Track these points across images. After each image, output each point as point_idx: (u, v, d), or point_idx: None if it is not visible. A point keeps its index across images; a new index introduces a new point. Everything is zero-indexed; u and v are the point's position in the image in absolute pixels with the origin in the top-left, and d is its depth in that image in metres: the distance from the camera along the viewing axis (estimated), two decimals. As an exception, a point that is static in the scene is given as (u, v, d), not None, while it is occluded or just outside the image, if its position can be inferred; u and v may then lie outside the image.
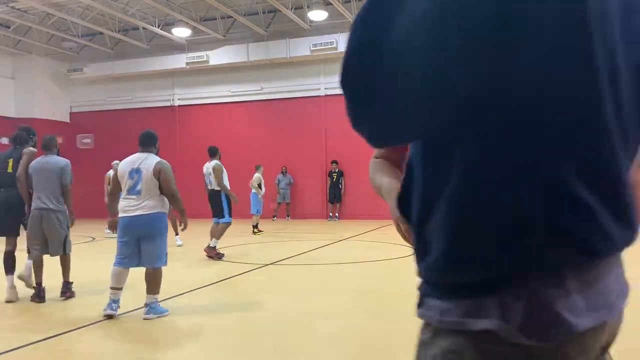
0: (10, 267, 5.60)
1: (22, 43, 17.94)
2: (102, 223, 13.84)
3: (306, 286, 6.30)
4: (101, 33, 16.93)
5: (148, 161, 4.82)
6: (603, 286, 0.85)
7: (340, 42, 15.59)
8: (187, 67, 17.45)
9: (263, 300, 5.39)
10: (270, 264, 7.81)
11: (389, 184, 1.33)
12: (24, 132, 5.90)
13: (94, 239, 11.46)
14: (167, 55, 17.72)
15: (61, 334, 4.19)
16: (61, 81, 19.42)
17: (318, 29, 15.90)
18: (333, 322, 4.59)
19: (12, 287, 5.50)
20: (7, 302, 5.39)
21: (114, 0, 14.52)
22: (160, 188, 4.78)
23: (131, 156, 4.94)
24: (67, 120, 19.99)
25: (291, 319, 4.74)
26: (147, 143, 4.98)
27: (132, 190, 4.76)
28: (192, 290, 5.78)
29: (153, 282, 4.78)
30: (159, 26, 16.10)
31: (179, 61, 17.54)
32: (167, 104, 18.88)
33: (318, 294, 5.81)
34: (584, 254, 0.81)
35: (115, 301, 4.69)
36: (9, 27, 16.73)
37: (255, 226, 12.55)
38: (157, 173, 4.76)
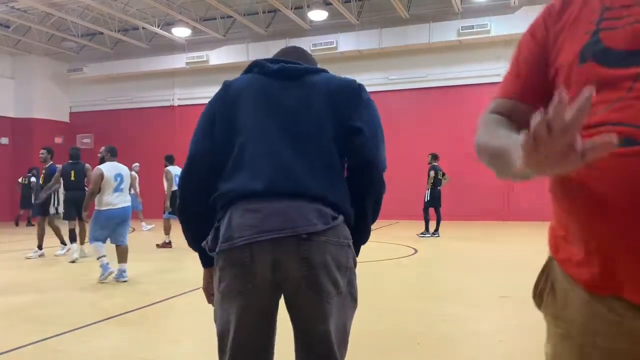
0: (74, 238, 8.49)
1: (22, 43, 17.94)
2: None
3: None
4: (101, 33, 16.93)
5: (122, 167, 6.75)
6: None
7: (340, 42, 15.58)
8: (187, 67, 17.46)
9: (263, 300, 5.37)
10: (270, 264, 7.79)
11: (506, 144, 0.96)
12: (77, 151, 8.85)
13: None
14: (167, 55, 17.73)
15: (61, 334, 4.19)
16: (61, 81, 19.42)
17: (318, 29, 15.89)
18: (333, 322, 4.58)
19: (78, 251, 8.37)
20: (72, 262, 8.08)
21: (114, 0, 14.52)
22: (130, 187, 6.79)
23: (110, 164, 6.70)
24: (67, 120, 20.00)
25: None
26: (116, 154, 6.92)
27: (117, 189, 6.51)
28: (192, 290, 5.78)
29: (124, 254, 6.52)
30: (159, 26, 16.10)
31: (179, 61, 17.54)
32: (167, 104, 18.88)
33: (318, 294, 5.79)
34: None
35: (107, 266, 6.41)
36: (9, 27, 16.72)
37: None
38: (130, 176, 6.86)
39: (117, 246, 6.53)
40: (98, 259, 6.43)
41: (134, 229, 13.76)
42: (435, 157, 11.55)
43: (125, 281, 6.36)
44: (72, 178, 8.52)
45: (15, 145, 18.50)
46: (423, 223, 11.43)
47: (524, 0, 14.14)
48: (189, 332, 4.33)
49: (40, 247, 8.77)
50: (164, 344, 4.04)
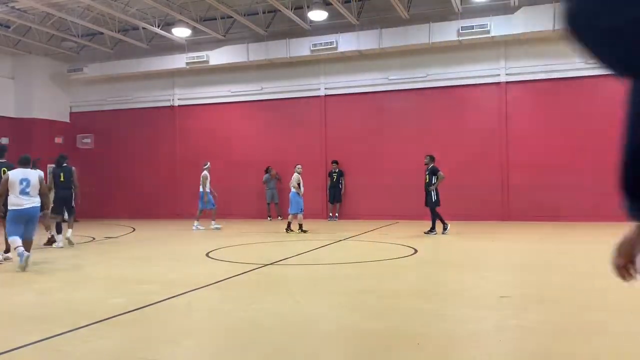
0: (60, 230, 9.77)
1: (22, 43, 17.93)
2: (100, 224, 13.82)
3: (306, 286, 6.30)
4: (101, 33, 16.93)
5: (31, 173, 7.69)
6: None
7: (340, 42, 15.58)
8: (187, 67, 17.45)
9: (263, 300, 5.39)
10: (270, 264, 7.81)
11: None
12: (65, 156, 10.32)
13: (94, 239, 11.45)
14: (167, 55, 17.71)
15: (61, 334, 4.20)
16: (61, 81, 19.41)
17: (318, 29, 15.89)
18: (333, 322, 4.59)
19: (63, 241, 9.75)
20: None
21: (114, 0, 14.52)
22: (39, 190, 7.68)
23: (18, 170, 7.64)
24: (67, 120, 19.99)
25: (291, 318, 4.75)
26: (26, 163, 7.79)
27: (23, 192, 7.49)
28: (192, 290, 5.78)
29: (28, 246, 7.49)
30: (159, 26, 16.10)
31: (179, 61, 17.52)
32: (167, 104, 18.87)
33: (318, 294, 5.81)
34: None
35: (23, 253, 7.20)
36: (9, 27, 16.72)
37: (292, 226, 12.60)
38: (40, 181, 7.73)
39: (23, 240, 7.43)
40: (15, 249, 7.37)
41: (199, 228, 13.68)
42: (433, 158, 11.62)
43: (27, 258, 7.20)
44: (62, 179, 9.92)
45: (16, 146, 18.48)
46: (423, 222, 11.49)
47: (524, 0, 14.14)
48: (189, 332, 4.34)
49: (6, 250, 8.19)
50: (164, 344, 4.05)
